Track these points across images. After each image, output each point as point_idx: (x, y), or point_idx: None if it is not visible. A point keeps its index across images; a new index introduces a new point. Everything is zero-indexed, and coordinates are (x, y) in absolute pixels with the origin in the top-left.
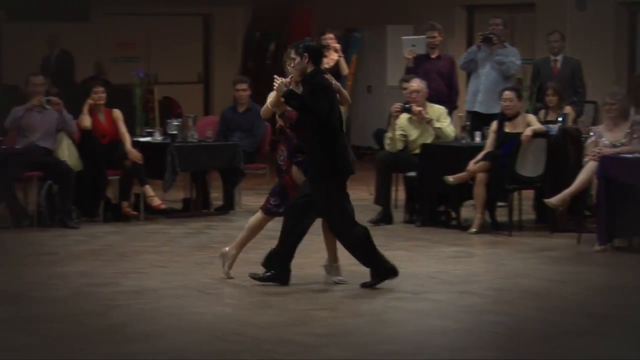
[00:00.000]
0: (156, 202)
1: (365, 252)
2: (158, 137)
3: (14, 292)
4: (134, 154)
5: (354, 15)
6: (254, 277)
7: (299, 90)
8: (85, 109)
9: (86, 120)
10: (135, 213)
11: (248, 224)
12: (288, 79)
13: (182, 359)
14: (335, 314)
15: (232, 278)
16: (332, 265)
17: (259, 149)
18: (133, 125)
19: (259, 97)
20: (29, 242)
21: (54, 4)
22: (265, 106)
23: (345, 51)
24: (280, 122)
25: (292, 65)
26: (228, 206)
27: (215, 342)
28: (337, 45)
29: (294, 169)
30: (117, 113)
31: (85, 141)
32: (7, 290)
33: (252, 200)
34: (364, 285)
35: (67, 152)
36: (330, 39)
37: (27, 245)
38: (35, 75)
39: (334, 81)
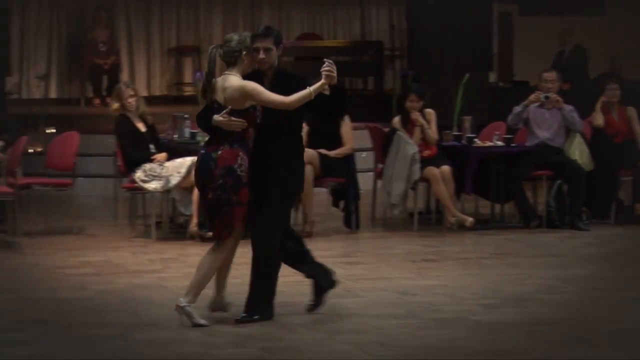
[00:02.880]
0: None
1: (267, 277)
2: None
3: (522, 293)
4: None
5: None
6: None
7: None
8: (598, 106)
9: (599, 119)
10: None
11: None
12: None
13: None
14: None
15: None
16: (224, 302)
17: None
18: None
19: None
20: (537, 243)
21: None
22: (279, 100)
23: None
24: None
25: (263, 55)
26: None
27: None
28: None
29: None
30: (632, 111)
31: (597, 140)
32: (519, 291)
33: None
34: (238, 321)
35: (578, 151)
36: None
37: (535, 246)
38: (548, 71)
39: None
